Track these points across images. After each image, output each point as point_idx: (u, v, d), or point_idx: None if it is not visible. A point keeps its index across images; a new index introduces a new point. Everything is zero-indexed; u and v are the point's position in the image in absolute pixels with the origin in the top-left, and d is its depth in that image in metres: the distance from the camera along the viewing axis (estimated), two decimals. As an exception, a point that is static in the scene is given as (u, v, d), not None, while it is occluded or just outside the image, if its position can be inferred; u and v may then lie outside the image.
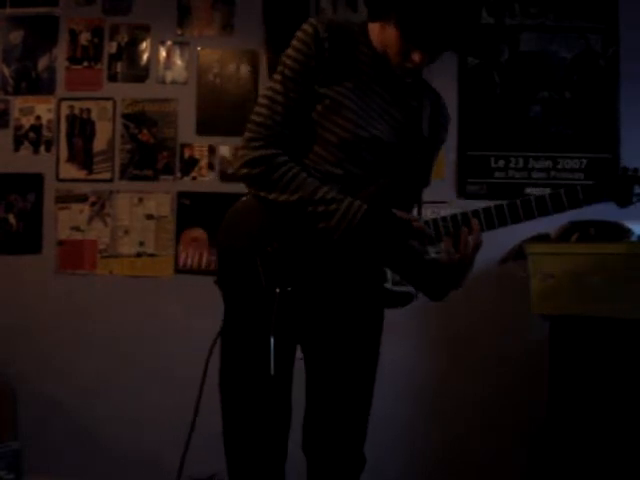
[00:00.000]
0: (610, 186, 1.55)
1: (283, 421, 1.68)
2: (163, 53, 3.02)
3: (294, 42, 1.58)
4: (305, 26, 1.58)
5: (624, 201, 1.56)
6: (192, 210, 2.98)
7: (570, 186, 1.54)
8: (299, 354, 1.71)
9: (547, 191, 3.00)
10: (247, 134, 1.59)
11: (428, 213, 2.81)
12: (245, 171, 1.57)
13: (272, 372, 1.54)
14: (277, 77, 1.59)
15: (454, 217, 1.56)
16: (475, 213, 1.55)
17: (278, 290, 1.55)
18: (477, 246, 1.55)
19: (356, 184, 1.59)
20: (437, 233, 1.56)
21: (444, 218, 1.56)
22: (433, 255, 1.62)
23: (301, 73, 1.56)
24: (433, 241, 1.56)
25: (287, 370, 1.67)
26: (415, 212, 1.72)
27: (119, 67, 3.05)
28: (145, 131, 3.02)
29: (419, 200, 1.74)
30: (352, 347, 1.68)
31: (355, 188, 1.59)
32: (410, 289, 1.66)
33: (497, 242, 2.67)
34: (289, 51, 1.59)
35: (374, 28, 1.61)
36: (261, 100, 1.60)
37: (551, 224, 2.42)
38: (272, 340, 1.53)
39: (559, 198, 1.53)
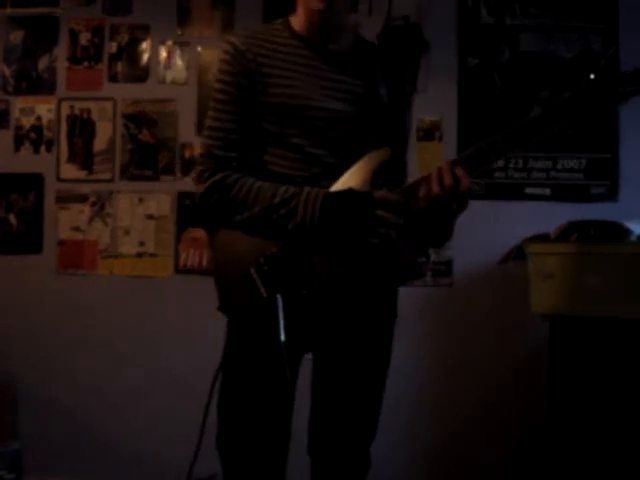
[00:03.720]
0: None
1: (284, 439, 1.64)
2: (163, 53, 3.02)
3: (219, 65, 1.60)
4: (224, 47, 1.60)
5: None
6: (192, 210, 2.98)
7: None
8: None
9: (547, 191, 3.01)
10: (197, 167, 1.62)
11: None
12: (205, 204, 1.59)
13: (288, 378, 1.50)
14: (211, 104, 1.61)
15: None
16: (455, 161, 1.52)
17: (279, 295, 1.49)
18: (456, 181, 1.49)
19: (338, 175, 1.58)
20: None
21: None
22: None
23: (233, 94, 1.58)
24: (402, 207, 1.52)
25: (292, 387, 1.62)
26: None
27: (119, 67, 3.04)
28: (145, 131, 3.02)
29: (404, 167, 1.73)
30: (364, 348, 1.66)
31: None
32: (419, 258, 1.63)
33: (497, 242, 2.69)
34: (217, 75, 1.61)
35: (294, 18, 1.62)
36: (204, 132, 1.62)
37: (551, 224, 2.42)
38: (283, 344, 1.46)
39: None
